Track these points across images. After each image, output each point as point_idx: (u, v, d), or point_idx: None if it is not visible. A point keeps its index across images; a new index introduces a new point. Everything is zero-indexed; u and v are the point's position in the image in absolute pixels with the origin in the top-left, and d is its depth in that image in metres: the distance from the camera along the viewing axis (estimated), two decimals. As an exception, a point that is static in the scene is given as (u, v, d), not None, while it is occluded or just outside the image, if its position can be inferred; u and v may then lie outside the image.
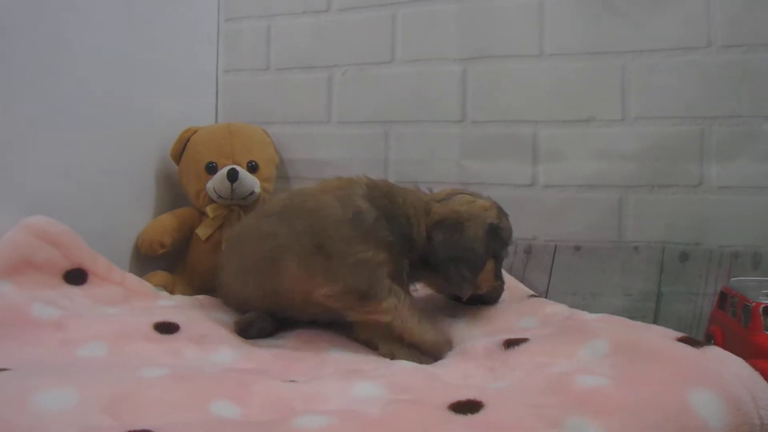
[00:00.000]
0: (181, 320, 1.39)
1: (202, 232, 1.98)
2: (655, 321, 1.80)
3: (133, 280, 1.63)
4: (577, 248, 1.93)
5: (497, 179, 2.00)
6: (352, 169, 2.00)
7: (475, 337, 1.39)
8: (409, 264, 1.46)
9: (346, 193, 1.44)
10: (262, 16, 2.32)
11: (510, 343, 1.25)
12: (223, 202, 1.98)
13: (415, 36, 2.13)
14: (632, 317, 1.32)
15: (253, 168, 2.03)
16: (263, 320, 1.50)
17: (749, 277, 1.59)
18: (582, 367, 1.08)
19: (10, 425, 0.85)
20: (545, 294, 1.91)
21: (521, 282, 1.80)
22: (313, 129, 2.25)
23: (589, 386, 0.98)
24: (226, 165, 1.97)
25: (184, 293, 1.86)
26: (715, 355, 1.02)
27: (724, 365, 0.99)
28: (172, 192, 2.11)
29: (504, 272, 1.61)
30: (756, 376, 0.96)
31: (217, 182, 1.95)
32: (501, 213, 1.53)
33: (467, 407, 0.94)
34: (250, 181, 1.98)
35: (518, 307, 1.54)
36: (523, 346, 1.23)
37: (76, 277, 1.50)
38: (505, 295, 1.59)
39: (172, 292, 1.85)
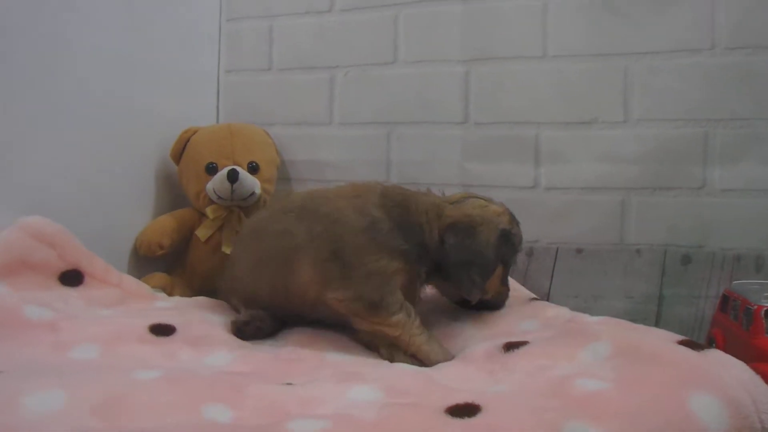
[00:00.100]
0: (178, 322, 1.38)
1: (201, 233, 1.97)
2: (657, 324, 1.80)
3: (130, 281, 1.62)
4: (579, 251, 1.93)
5: (499, 181, 2.00)
6: (354, 170, 2.01)
7: (476, 340, 1.38)
8: (426, 271, 1.47)
9: (362, 201, 1.44)
10: (264, 16, 2.31)
11: (510, 346, 1.25)
12: (223, 203, 1.97)
13: (417, 37, 2.12)
14: (634, 320, 1.32)
15: (253, 169, 2.01)
16: (260, 320, 1.49)
17: (751, 280, 1.59)
18: (583, 370, 1.07)
19: (-2, 427, 0.85)
20: (547, 297, 1.91)
21: (523, 285, 1.79)
22: (315, 130, 2.24)
23: (589, 390, 0.97)
24: (226, 166, 1.96)
25: (183, 295, 1.84)
26: (716, 358, 1.02)
27: (725, 368, 0.98)
28: (172, 193, 2.11)
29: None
30: (757, 379, 0.96)
31: (217, 183, 1.93)
32: (513, 219, 1.52)
33: (465, 411, 0.93)
34: (250, 182, 1.96)
35: (520, 310, 1.53)
36: (523, 349, 1.23)
37: (72, 278, 1.49)
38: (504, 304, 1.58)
39: (170, 294, 1.84)
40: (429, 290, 1.60)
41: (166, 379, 1.02)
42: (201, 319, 1.47)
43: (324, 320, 1.50)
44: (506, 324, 1.45)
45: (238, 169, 1.94)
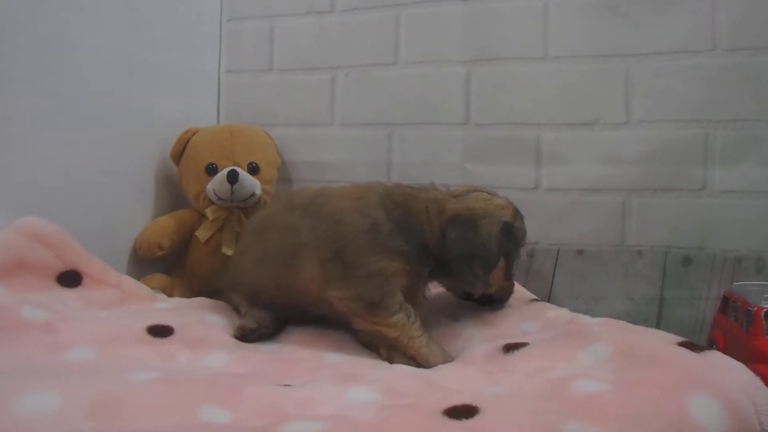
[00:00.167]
0: (177, 323, 1.37)
1: (201, 234, 1.97)
2: (658, 325, 1.80)
3: (129, 282, 1.61)
4: (580, 252, 1.92)
5: (500, 182, 1.99)
6: (355, 171, 2.01)
7: (476, 341, 1.38)
8: (429, 271, 1.47)
9: (363, 203, 1.44)
10: (265, 17, 2.30)
11: (509, 348, 1.24)
12: (223, 204, 1.96)
13: (418, 37, 2.12)
14: (635, 322, 1.31)
15: (254, 170, 2.01)
16: (266, 326, 1.50)
17: (752, 282, 1.58)
18: (582, 371, 1.07)
19: (-11, 429, 0.84)
20: (548, 298, 1.90)
21: (524, 286, 1.79)
22: (316, 131, 2.24)
23: (587, 392, 0.97)
24: (226, 166, 1.95)
25: (182, 296, 1.84)
26: (716, 360, 1.02)
27: (724, 370, 0.98)
28: (172, 193, 2.10)
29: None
30: (756, 381, 0.95)
31: (216, 184, 1.93)
32: (516, 213, 1.52)
33: (462, 412, 0.93)
34: (250, 183, 1.96)
35: (520, 311, 1.53)
36: (522, 351, 1.22)
37: (70, 279, 1.48)
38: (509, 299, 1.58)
39: (170, 295, 1.83)
40: (434, 288, 1.60)
41: (163, 380, 1.02)
42: (200, 320, 1.47)
43: (327, 317, 1.50)
44: (506, 325, 1.45)
45: (238, 170, 1.94)
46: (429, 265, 1.45)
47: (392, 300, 1.36)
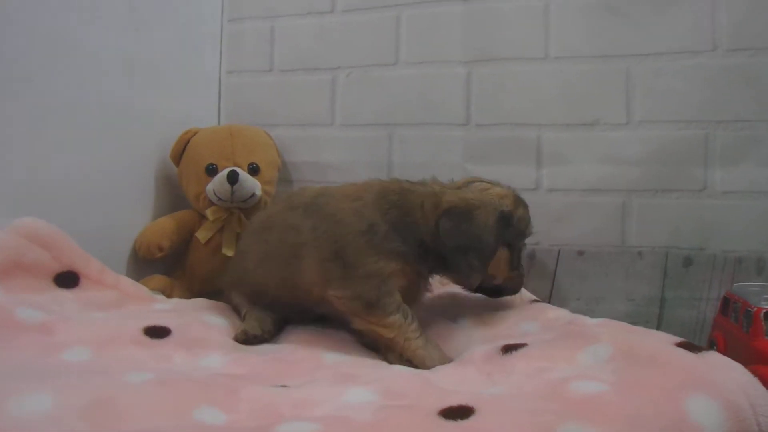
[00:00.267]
0: (174, 324, 1.37)
1: (201, 235, 1.97)
2: (659, 326, 1.79)
3: (127, 283, 1.61)
4: (581, 253, 1.92)
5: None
6: (355, 172, 2.01)
7: (475, 342, 1.38)
8: (428, 269, 1.48)
9: (360, 204, 1.44)
10: (266, 17, 2.30)
11: (508, 348, 1.24)
12: (223, 205, 1.96)
13: (419, 38, 2.12)
14: (636, 322, 1.31)
15: (254, 170, 2.01)
16: (269, 333, 1.50)
17: (752, 283, 1.58)
18: (582, 372, 1.07)
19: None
20: (548, 299, 1.90)
21: (524, 286, 1.78)
22: (317, 131, 2.24)
23: (586, 392, 0.97)
24: (226, 167, 1.95)
25: (182, 297, 1.84)
26: (714, 360, 1.01)
27: (723, 371, 0.98)
28: (172, 194, 2.10)
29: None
30: (755, 382, 0.95)
31: (216, 184, 1.93)
32: (518, 202, 1.51)
33: (458, 413, 0.92)
34: (250, 184, 1.96)
35: (520, 311, 1.53)
36: (521, 351, 1.22)
37: (67, 279, 1.48)
38: (508, 300, 1.57)
39: (170, 297, 1.83)
40: (434, 289, 1.59)
41: (158, 381, 1.02)
42: (198, 322, 1.46)
43: (328, 317, 1.51)
44: (506, 326, 1.45)
45: (239, 170, 1.94)
46: (428, 262, 1.45)
47: (389, 300, 1.36)
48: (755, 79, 1.77)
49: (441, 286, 1.69)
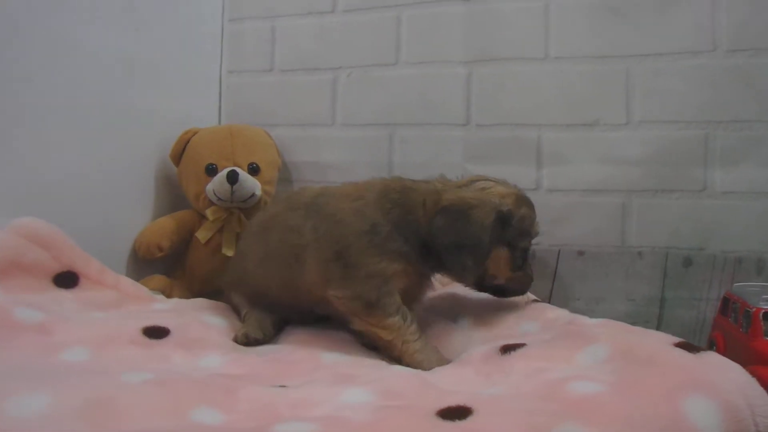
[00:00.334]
0: (173, 324, 1.37)
1: (201, 235, 1.96)
2: (659, 327, 1.80)
3: (127, 283, 1.61)
4: (581, 253, 1.92)
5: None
6: (355, 172, 2.01)
7: (474, 342, 1.38)
8: (430, 267, 1.48)
9: (362, 204, 1.44)
10: (267, 17, 2.31)
11: (507, 349, 1.24)
12: (223, 205, 1.96)
13: (419, 38, 2.12)
14: (636, 323, 1.31)
15: (254, 170, 2.00)
16: (270, 336, 1.51)
17: (752, 283, 1.58)
18: (580, 372, 1.07)
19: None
20: (548, 299, 1.90)
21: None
22: (317, 131, 2.24)
23: (583, 393, 0.97)
24: (226, 167, 1.95)
25: (182, 297, 1.84)
26: (712, 361, 1.01)
27: (721, 372, 0.97)
28: (172, 194, 2.10)
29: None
30: (753, 382, 0.95)
31: (216, 184, 1.93)
32: (520, 201, 1.47)
33: (456, 413, 0.92)
34: (250, 184, 1.96)
35: (520, 311, 1.52)
36: (520, 351, 1.22)
37: (66, 280, 1.48)
38: (509, 300, 1.56)
39: (169, 296, 1.83)
40: (442, 284, 1.60)
41: (156, 382, 1.01)
42: (198, 322, 1.47)
43: (330, 317, 1.52)
44: (506, 326, 1.45)
45: (238, 170, 1.94)
46: (429, 261, 1.44)
47: (390, 301, 1.36)
48: (755, 80, 1.77)
49: (442, 285, 1.68)
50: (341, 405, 1.01)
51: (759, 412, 0.91)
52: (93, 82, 1.77)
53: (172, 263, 2.04)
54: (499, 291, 1.53)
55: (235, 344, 1.41)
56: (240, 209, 1.98)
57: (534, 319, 1.44)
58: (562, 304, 1.69)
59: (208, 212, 1.96)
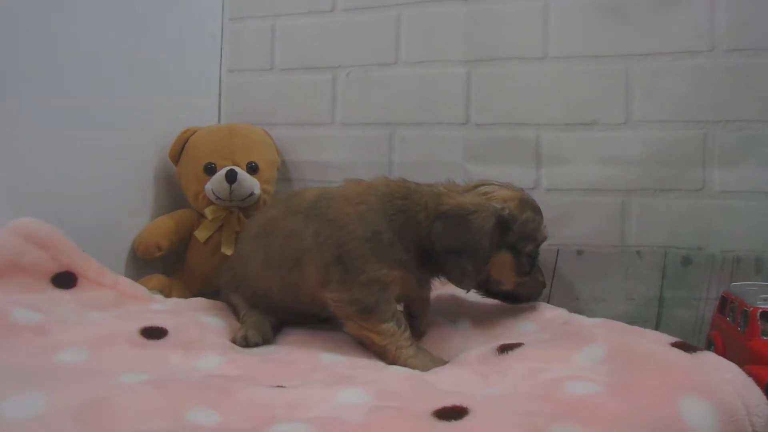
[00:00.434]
0: (171, 325, 1.37)
1: (200, 234, 1.96)
2: (658, 326, 1.79)
3: (125, 283, 1.61)
4: (580, 252, 1.92)
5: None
6: (355, 171, 2.00)
7: (472, 343, 1.39)
8: (430, 272, 1.48)
9: (365, 208, 1.43)
10: (267, 16, 2.30)
11: (504, 349, 1.24)
12: (222, 204, 1.96)
13: (419, 38, 2.12)
14: (634, 322, 1.31)
15: (253, 169, 2.00)
16: (269, 340, 1.50)
17: (750, 282, 1.58)
18: (576, 373, 1.07)
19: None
20: (547, 298, 1.89)
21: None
22: (317, 131, 2.24)
23: (579, 393, 0.97)
24: (225, 166, 1.95)
25: (181, 297, 1.83)
26: (708, 361, 1.01)
27: (717, 372, 0.98)
28: (172, 193, 2.10)
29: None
30: (749, 382, 0.95)
31: (215, 183, 1.93)
32: (524, 205, 1.46)
33: (452, 414, 0.93)
34: (249, 183, 1.96)
35: (518, 311, 1.53)
36: (517, 351, 1.22)
37: (65, 280, 1.48)
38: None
39: (169, 296, 1.83)
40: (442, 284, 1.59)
41: (153, 382, 1.02)
42: (196, 322, 1.47)
43: (331, 319, 1.50)
44: (503, 326, 1.46)
45: (237, 169, 1.94)
46: (430, 266, 1.44)
47: (386, 307, 1.37)
48: (755, 80, 1.76)
49: (441, 285, 1.68)
50: (337, 406, 1.02)
51: (755, 411, 0.91)
52: (93, 81, 1.77)
53: (171, 262, 2.04)
54: (509, 297, 1.53)
55: (234, 345, 1.42)
56: (239, 208, 1.98)
57: (532, 319, 1.46)
58: (561, 303, 1.69)
59: (207, 211, 1.96)
